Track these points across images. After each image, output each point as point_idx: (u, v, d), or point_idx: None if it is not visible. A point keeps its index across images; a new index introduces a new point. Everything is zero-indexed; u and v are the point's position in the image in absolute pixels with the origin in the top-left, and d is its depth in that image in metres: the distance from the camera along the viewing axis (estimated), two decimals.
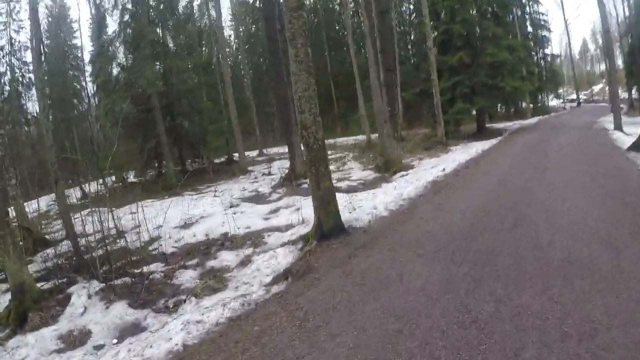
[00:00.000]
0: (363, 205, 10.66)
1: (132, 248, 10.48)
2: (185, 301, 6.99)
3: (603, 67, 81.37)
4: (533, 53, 45.78)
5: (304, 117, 7.68)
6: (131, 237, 11.43)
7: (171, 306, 7.05)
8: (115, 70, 24.72)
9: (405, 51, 43.69)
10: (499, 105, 33.32)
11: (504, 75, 24.29)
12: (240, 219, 11.93)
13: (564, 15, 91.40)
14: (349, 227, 8.49)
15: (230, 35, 53.60)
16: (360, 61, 30.15)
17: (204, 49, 32.05)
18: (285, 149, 21.38)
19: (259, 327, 5.06)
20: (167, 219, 12.52)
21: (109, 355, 5.43)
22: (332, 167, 19.19)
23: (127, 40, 23.93)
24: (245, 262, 8.35)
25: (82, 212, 14.14)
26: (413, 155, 19.51)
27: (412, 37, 44.42)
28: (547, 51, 53.52)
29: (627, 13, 42.86)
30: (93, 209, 15.05)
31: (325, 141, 22.37)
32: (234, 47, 53.41)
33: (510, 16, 38.86)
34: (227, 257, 8.92)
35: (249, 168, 24.16)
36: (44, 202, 21.87)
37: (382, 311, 4.80)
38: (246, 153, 31.57)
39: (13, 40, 28.97)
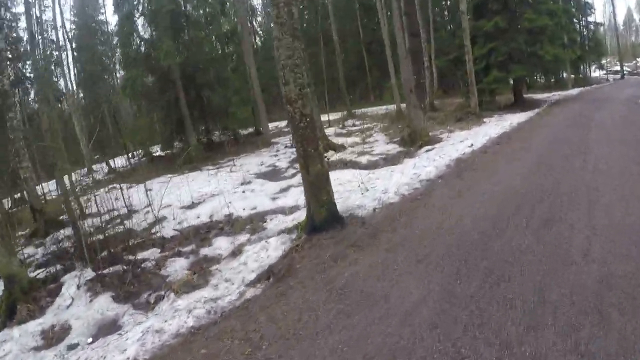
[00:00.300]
0: (377, 185, 9.43)
1: (138, 230, 9.72)
2: (163, 297, 6.10)
3: None
4: (575, 20, 43.92)
5: (287, 90, 6.41)
6: (139, 218, 10.75)
7: (152, 302, 6.20)
8: (135, 44, 23.72)
9: (442, 17, 41.55)
10: (538, 74, 31.15)
11: (543, 43, 22.30)
12: (249, 198, 11.03)
13: None
14: (350, 216, 7.33)
15: (258, 3, 52.55)
16: (391, 27, 28.52)
17: (229, 17, 30.64)
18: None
19: (207, 349, 4.19)
20: (179, 197, 11.92)
21: None
22: (357, 139, 18.35)
23: (144, 12, 22.95)
24: (236, 252, 7.34)
25: (105, 189, 13.83)
26: (443, 127, 17.96)
27: (448, 3, 41.90)
28: (590, 19, 50.79)
29: None
30: (113, 186, 14.79)
31: (357, 110, 21.21)
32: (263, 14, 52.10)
33: None
34: (222, 244, 7.99)
35: (274, 140, 23.06)
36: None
37: (348, 346, 3.69)
38: (275, 124, 30.63)
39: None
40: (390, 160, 13.05)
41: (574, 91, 33.31)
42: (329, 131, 21.70)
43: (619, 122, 14.47)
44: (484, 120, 18.56)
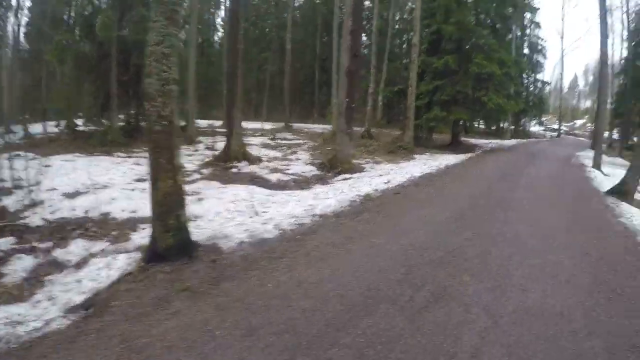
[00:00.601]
0: (268, 212, 8.03)
1: (11, 211, 8.14)
2: None
3: (588, 104, 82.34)
4: (524, 75, 44.51)
5: (148, 83, 5.05)
6: (20, 196, 8.97)
7: None
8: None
9: (400, 49, 41.12)
10: (478, 120, 30.90)
11: (489, 90, 21.89)
12: (135, 198, 9.38)
13: (562, 44, 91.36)
14: (211, 246, 5.97)
15: None
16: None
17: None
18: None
19: None
20: (70, 181, 10.37)
21: None
22: (279, 154, 17.02)
23: None
24: (81, 263, 5.83)
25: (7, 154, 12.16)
26: (371, 157, 16.98)
27: (408, 36, 41.47)
28: (539, 76, 51.92)
29: (623, 54, 43.27)
30: (17, 153, 13.05)
31: (297, 125, 19.76)
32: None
33: (510, 35, 37.42)
34: (76, 249, 6.39)
35: (199, 139, 21.40)
36: None
37: None
38: (212, 122, 28.99)
39: None
40: (300, 183, 11.73)
41: (511, 142, 33.46)
42: (256, 140, 20.37)
43: (550, 181, 13.94)
44: (415, 156, 17.75)
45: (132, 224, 7.67)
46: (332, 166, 13.43)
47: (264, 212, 7.99)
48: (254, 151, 16.38)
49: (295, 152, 17.92)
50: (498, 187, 11.70)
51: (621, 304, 4.76)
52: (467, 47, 22.84)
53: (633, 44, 39.97)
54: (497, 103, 21.48)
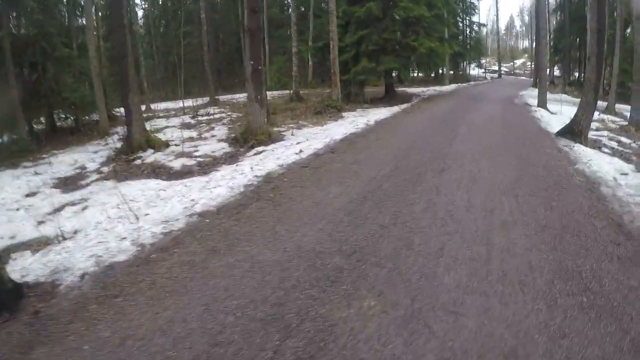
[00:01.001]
0: (151, 214, 5.82)
1: None
2: None
3: (526, 43, 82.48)
4: (459, 19, 43.57)
5: None
6: None
7: None
8: None
9: (325, 3, 38.62)
10: (412, 68, 29.06)
11: (419, 34, 20.03)
12: (15, 220, 7.12)
13: None
14: (49, 285, 3.93)
15: None
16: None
17: None
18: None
19: None
20: None
21: None
22: (193, 133, 14.73)
23: None
24: None
25: None
26: (296, 122, 14.89)
27: None
28: (475, 19, 51.18)
29: None
30: None
31: (224, 97, 17.51)
32: None
33: None
34: None
35: (117, 129, 18.81)
36: None
37: None
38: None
39: None
40: (205, 166, 9.46)
41: (451, 87, 32.17)
42: (176, 121, 18.00)
43: (493, 126, 12.36)
44: (344, 115, 15.75)
45: None
46: (245, 140, 11.39)
47: (146, 214, 5.94)
48: (171, 134, 14.17)
49: (213, 129, 15.68)
50: (433, 141, 9.90)
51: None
52: None
53: None
54: (429, 47, 19.57)
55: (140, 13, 43.92)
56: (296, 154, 8.60)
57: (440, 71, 39.40)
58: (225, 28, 38.94)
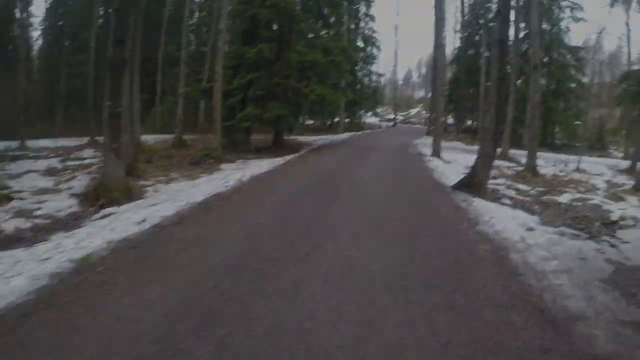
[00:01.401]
0: None
1: None
2: None
3: (422, 93, 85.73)
4: (357, 68, 44.16)
5: None
6: None
7: None
8: None
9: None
10: (304, 116, 28.25)
11: (311, 80, 19.20)
12: None
13: (396, 39, 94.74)
14: None
15: None
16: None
17: None
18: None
19: None
20: None
21: None
22: (50, 183, 12.48)
23: None
24: None
25: None
26: (168, 173, 13.21)
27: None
28: (373, 68, 52.42)
29: (456, 45, 47.90)
30: None
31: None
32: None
33: (343, 26, 36.48)
34: None
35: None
36: None
37: None
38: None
39: None
40: (39, 232, 7.28)
41: (344, 136, 31.69)
42: (42, 164, 15.04)
43: (383, 183, 11.50)
44: (222, 167, 14.25)
45: None
46: (97, 197, 9.59)
47: None
48: (29, 182, 11.94)
49: (74, 178, 13.43)
50: (308, 206, 8.51)
51: None
52: (287, 33, 19.88)
53: (465, 34, 41.89)
54: (321, 94, 18.75)
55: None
56: (137, 223, 6.94)
57: (336, 119, 39.10)
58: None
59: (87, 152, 18.97)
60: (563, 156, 23.59)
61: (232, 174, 12.48)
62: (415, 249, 5.90)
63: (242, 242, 6.08)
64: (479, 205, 8.80)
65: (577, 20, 35.04)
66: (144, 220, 7.01)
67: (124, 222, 7.18)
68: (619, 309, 4.21)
